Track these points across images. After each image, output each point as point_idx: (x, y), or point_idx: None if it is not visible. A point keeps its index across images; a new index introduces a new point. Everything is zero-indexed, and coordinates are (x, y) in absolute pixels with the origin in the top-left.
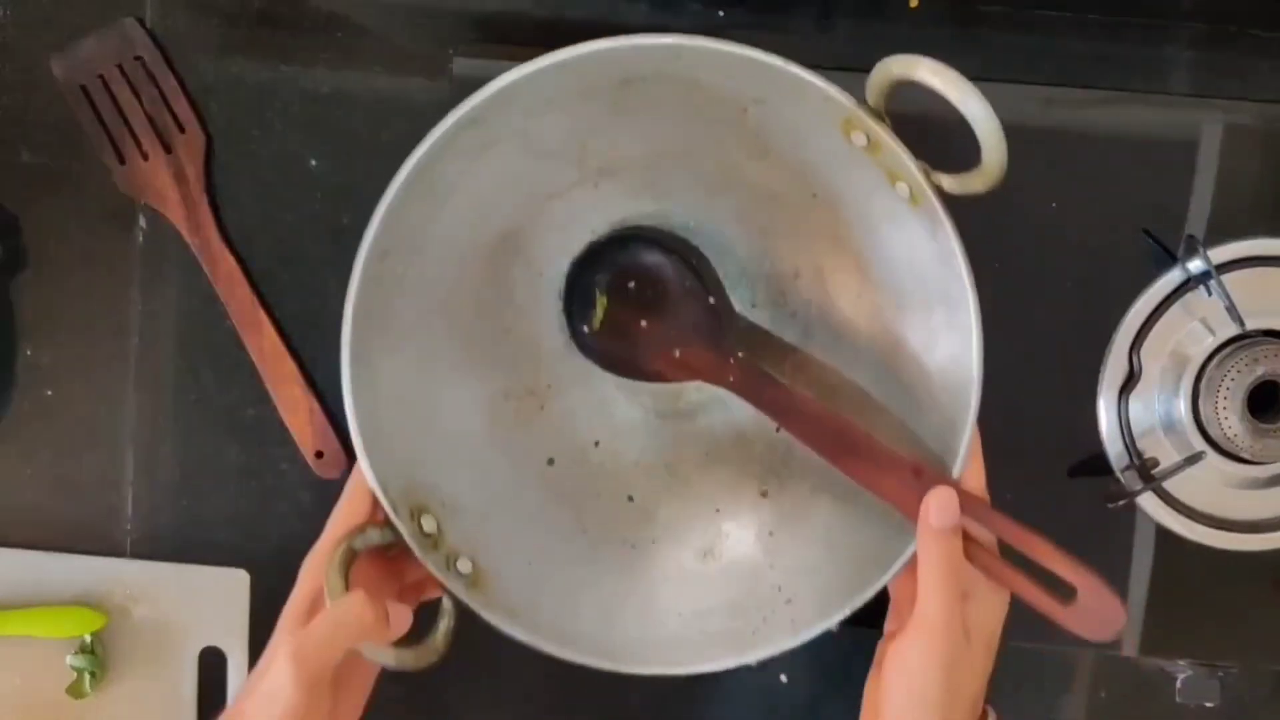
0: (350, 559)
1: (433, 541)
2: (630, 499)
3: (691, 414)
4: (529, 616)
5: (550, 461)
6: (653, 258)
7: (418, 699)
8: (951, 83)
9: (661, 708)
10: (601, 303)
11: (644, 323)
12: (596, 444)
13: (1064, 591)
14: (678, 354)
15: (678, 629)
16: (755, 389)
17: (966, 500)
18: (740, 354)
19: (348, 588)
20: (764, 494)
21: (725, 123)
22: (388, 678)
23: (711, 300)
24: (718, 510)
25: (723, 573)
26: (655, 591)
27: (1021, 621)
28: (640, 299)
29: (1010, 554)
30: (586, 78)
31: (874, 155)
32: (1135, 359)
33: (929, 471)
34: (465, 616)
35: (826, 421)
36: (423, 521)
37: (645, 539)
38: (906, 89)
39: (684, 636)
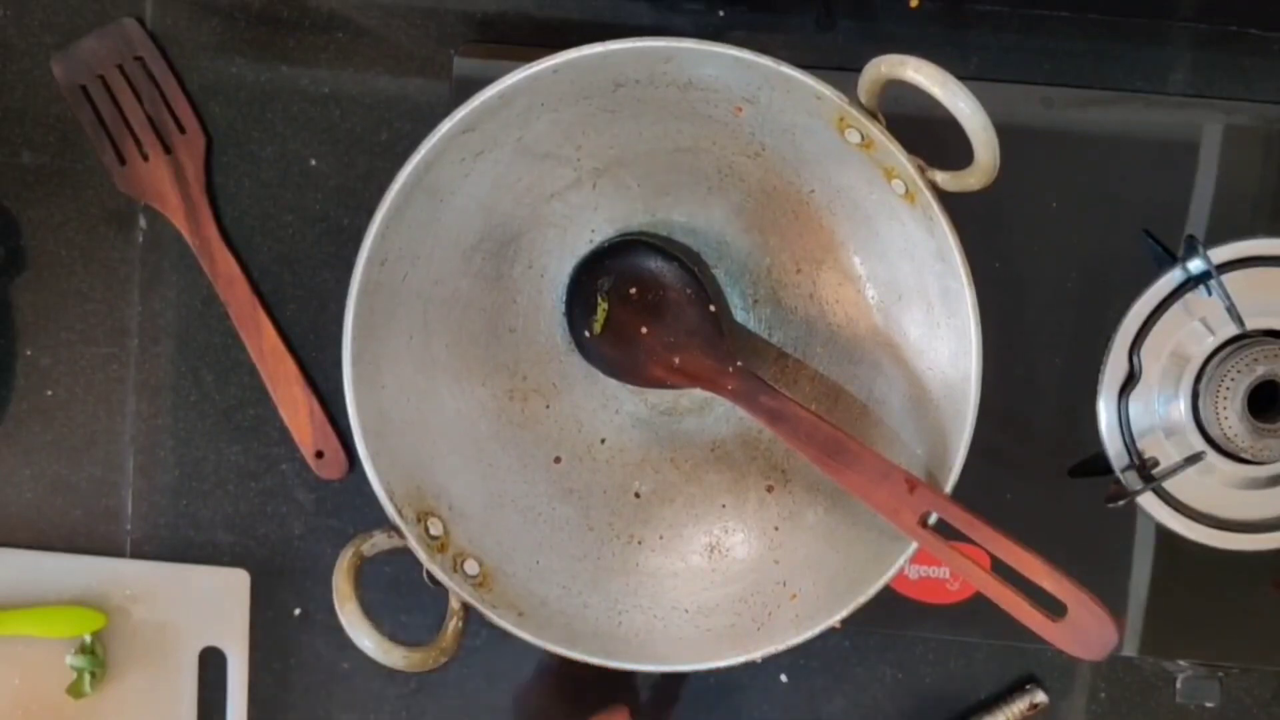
0: (358, 565)
1: (439, 544)
2: (636, 495)
3: (697, 410)
4: (535, 616)
5: (557, 459)
6: (654, 263)
7: (420, 699)
8: (938, 81)
9: (663, 706)
10: (602, 308)
11: (644, 329)
12: (603, 441)
13: (1055, 608)
14: (677, 361)
15: (683, 625)
16: (752, 397)
17: (956, 515)
18: (739, 362)
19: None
20: (769, 489)
21: (719, 122)
22: (394, 678)
23: (711, 308)
24: (723, 506)
25: (728, 568)
26: (661, 588)
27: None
28: (641, 305)
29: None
30: (580, 81)
31: (868, 152)
32: (1135, 359)
33: (922, 485)
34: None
35: (822, 431)
36: (429, 525)
37: (651, 535)
38: (903, 89)
39: (689, 633)
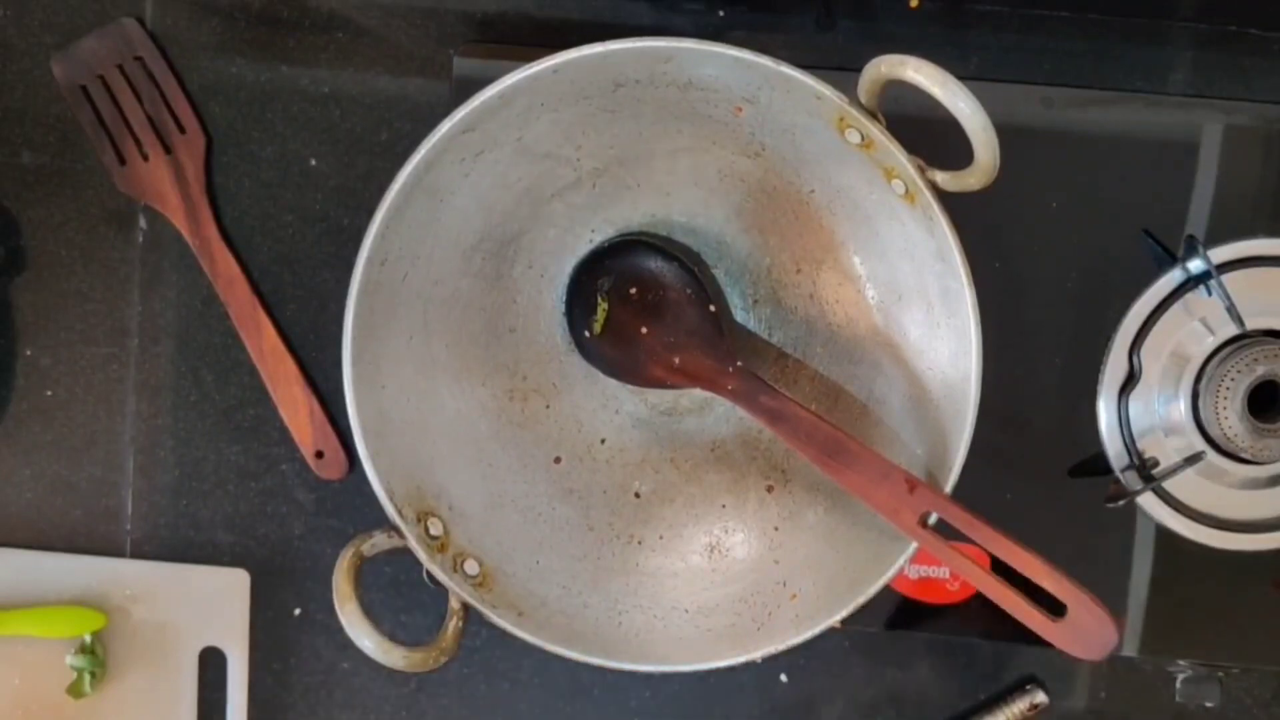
0: (358, 565)
1: (439, 544)
2: (636, 495)
3: (697, 410)
4: (535, 615)
5: (557, 459)
6: (654, 263)
7: (420, 699)
8: (938, 81)
9: (663, 706)
10: (602, 308)
11: (644, 329)
12: (603, 441)
13: (1055, 608)
14: (677, 361)
15: (683, 625)
16: (752, 397)
17: (956, 515)
18: (739, 362)
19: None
20: (769, 489)
21: (719, 122)
22: (394, 678)
23: (711, 308)
24: (723, 506)
25: (728, 568)
26: (661, 588)
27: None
28: (641, 305)
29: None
30: (580, 81)
31: (869, 152)
32: (1135, 359)
33: (922, 485)
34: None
35: (822, 432)
36: (429, 525)
37: (652, 535)
38: (903, 89)
39: (689, 633)
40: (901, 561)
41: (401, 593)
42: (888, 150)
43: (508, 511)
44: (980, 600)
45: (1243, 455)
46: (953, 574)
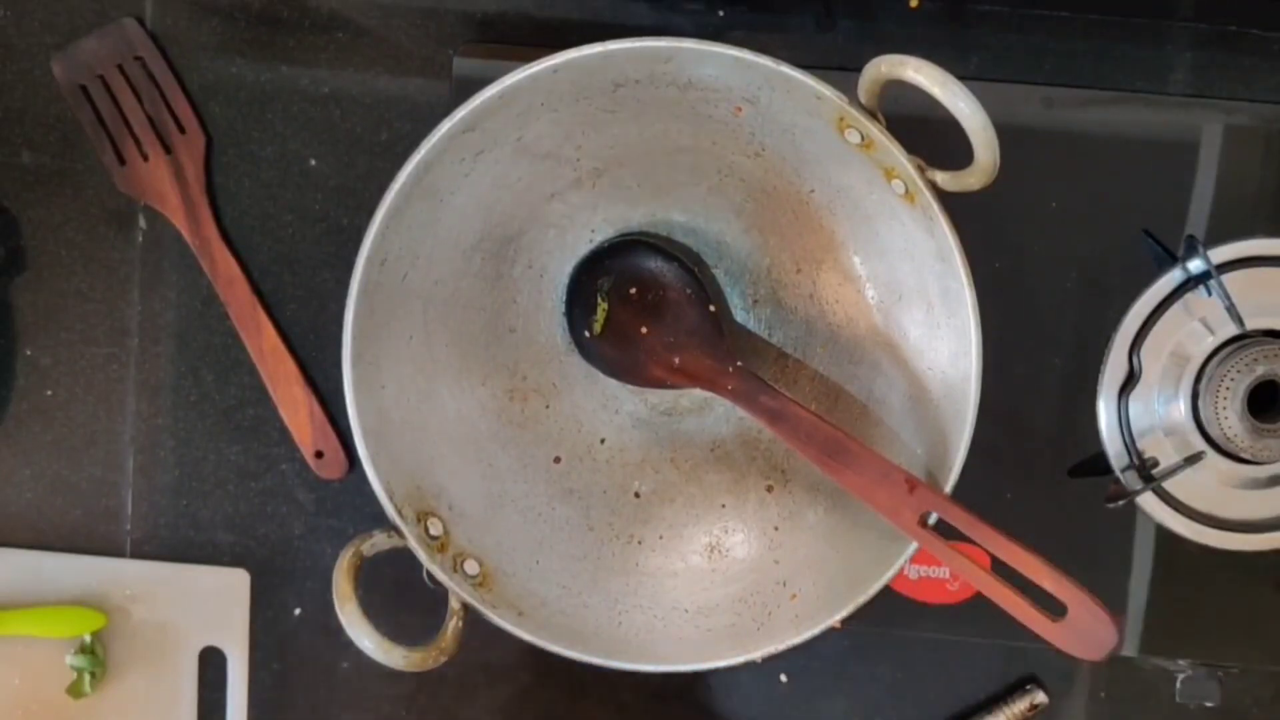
0: (358, 565)
1: (439, 544)
2: (636, 495)
3: (697, 410)
4: (535, 615)
5: (556, 459)
6: (654, 263)
7: (420, 699)
8: (938, 81)
9: (663, 706)
10: (602, 308)
11: (644, 329)
12: (603, 441)
13: (1055, 608)
14: (677, 361)
15: (683, 625)
16: (752, 397)
17: (956, 515)
18: (739, 362)
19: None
20: (769, 489)
21: (719, 122)
22: (394, 678)
23: (711, 308)
24: (723, 506)
25: (728, 568)
26: (661, 588)
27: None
28: (641, 305)
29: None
30: (580, 81)
31: (869, 152)
32: (1135, 359)
33: (922, 485)
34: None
35: (822, 432)
36: (429, 525)
37: (651, 535)
38: (903, 89)
39: (689, 633)
40: (901, 561)
41: (401, 593)
42: (888, 150)
43: (508, 511)
44: (980, 600)
45: (1243, 455)
46: (953, 574)
